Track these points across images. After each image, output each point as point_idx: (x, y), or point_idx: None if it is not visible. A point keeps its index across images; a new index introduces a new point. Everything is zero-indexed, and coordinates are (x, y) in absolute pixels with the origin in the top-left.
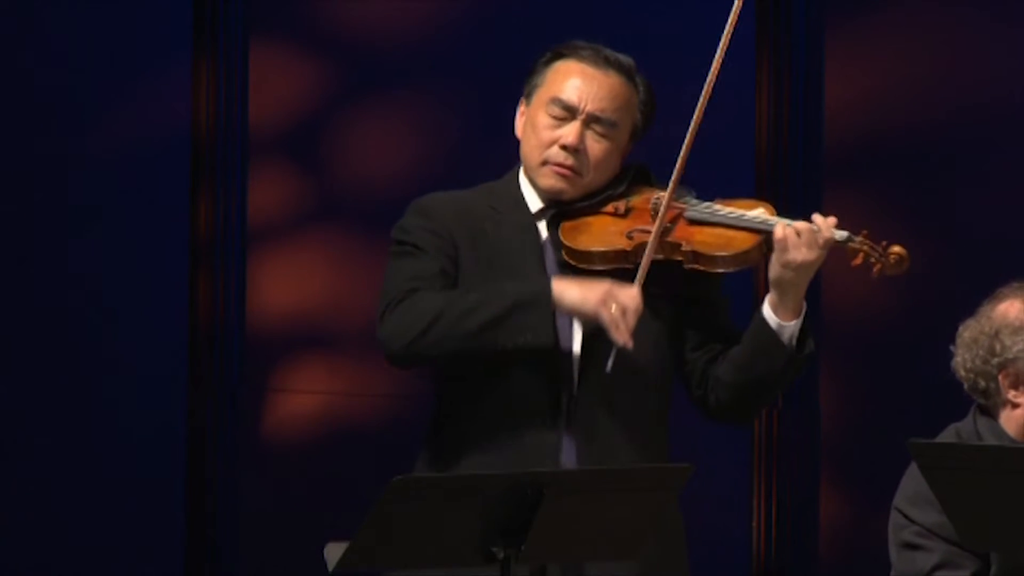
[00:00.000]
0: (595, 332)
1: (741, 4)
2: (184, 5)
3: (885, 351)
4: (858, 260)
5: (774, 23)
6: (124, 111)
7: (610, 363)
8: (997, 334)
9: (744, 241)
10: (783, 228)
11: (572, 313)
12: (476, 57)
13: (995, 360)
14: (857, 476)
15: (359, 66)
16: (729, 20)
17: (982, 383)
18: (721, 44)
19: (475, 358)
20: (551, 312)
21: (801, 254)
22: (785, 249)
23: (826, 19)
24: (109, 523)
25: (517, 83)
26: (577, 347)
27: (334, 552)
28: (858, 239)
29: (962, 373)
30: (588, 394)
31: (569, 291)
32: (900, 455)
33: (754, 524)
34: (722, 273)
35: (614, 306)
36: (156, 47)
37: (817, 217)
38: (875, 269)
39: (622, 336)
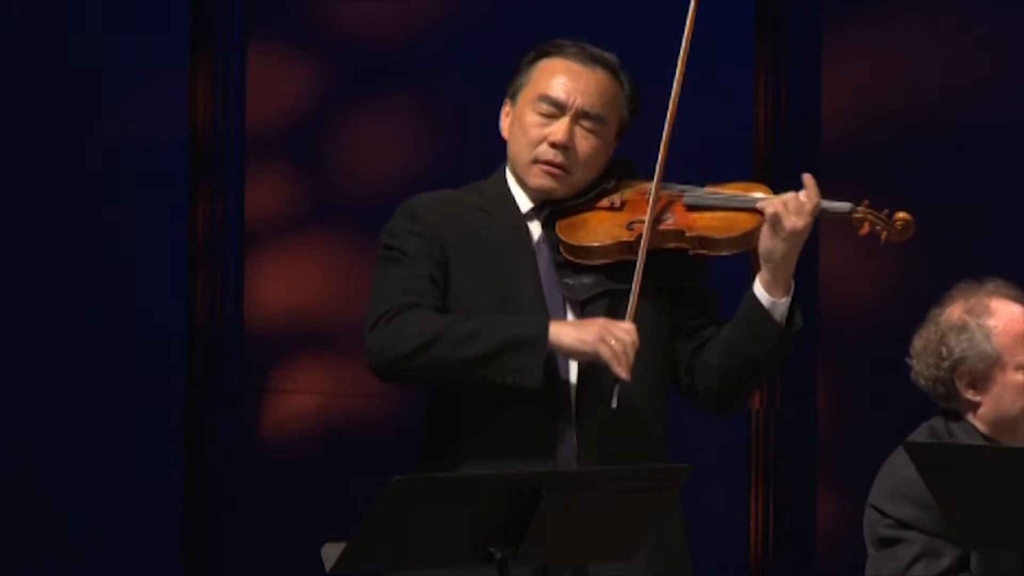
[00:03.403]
0: (593, 367)
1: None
2: (183, 6)
3: (882, 351)
4: (865, 230)
5: (772, 23)
6: (123, 112)
7: (615, 400)
8: (943, 338)
9: (747, 221)
10: (772, 202)
11: (570, 354)
12: (475, 58)
13: (945, 364)
14: (854, 477)
15: (357, 67)
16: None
17: (941, 388)
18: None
19: (460, 386)
20: (544, 354)
21: (790, 222)
22: (776, 220)
23: (824, 19)
24: (109, 523)
25: None
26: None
27: (332, 552)
28: (861, 208)
29: (923, 383)
30: (589, 395)
31: (565, 332)
32: None
33: (752, 524)
34: (722, 256)
35: (613, 341)
36: (155, 48)
37: (807, 181)
38: (883, 237)
39: (624, 370)
